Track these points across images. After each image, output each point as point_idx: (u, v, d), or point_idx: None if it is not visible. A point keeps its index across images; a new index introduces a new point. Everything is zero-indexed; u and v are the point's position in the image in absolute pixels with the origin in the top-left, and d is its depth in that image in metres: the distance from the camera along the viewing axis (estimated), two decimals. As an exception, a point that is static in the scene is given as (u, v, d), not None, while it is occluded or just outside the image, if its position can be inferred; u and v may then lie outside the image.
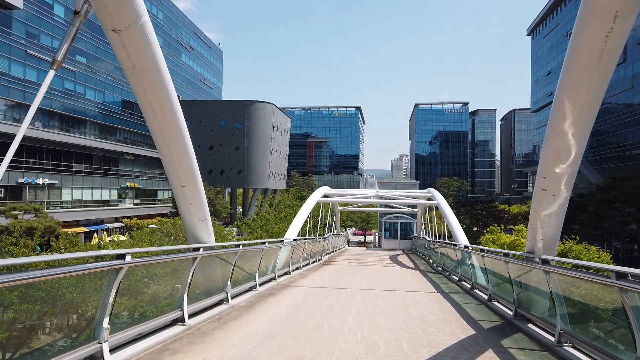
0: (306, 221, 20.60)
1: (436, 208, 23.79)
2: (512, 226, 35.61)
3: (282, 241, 12.11)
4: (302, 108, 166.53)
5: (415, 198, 23.38)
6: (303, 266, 16.19)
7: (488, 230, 31.97)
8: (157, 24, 74.05)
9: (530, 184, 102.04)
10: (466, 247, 11.46)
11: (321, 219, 24.59)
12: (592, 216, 35.45)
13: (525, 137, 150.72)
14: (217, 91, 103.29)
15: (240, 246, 8.34)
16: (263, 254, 10.28)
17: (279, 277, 12.54)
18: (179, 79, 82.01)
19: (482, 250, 9.59)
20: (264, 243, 10.21)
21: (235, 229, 35.32)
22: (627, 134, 57.46)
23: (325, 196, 23.73)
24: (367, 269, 17.89)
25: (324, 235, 23.38)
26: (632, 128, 56.18)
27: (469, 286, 11.43)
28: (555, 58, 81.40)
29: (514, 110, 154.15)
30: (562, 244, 22.09)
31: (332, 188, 26.09)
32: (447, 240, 17.28)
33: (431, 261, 20.85)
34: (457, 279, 13.38)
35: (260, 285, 10.41)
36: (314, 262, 18.80)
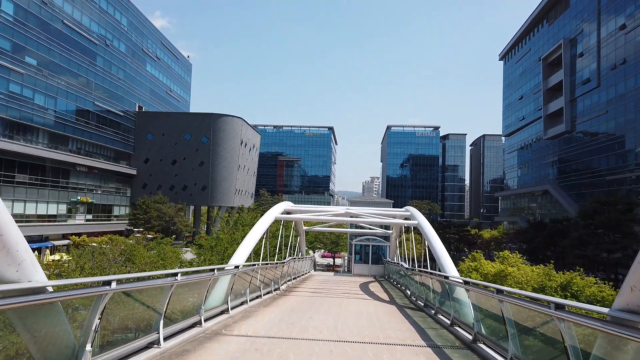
0: (261, 242, 17.20)
1: (414, 230, 20.81)
2: (488, 252, 33.02)
3: (213, 270, 8.66)
4: (274, 126, 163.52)
5: (391, 217, 20.31)
6: (251, 300, 12.72)
7: (473, 255, 29.16)
8: (120, 30, 70.13)
9: (501, 209, 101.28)
10: (467, 282, 8.34)
11: (282, 239, 21.18)
12: (576, 242, 33.23)
13: (494, 163, 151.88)
14: (185, 104, 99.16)
15: (113, 284, 4.92)
16: (173, 291, 6.85)
17: (209, 319, 9.07)
18: (142, 89, 77.79)
19: (498, 291, 6.45)
20: (175, 275, 6.78)
21: (184, 249, 31.33)
22: (601, 160, 56.58)
23: (287, 212, 20.31)
24: (333, 303, 14.55)
25: (285, 258, 19.94)
26: (606, 154, 55.36)
27: (470, 337, 8.27)
28: (527, 83, 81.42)
29: (484, 135, 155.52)
30: (563, 274, 19.32)
31: (295, 204, 22.74)
32: (430, 270, 14.17)
33: (408, 292, 17.67)
34: (448, 321, 10.22)
35: (168, 338, 6.93)
36: (267, 292, 15.33)
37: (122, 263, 24.44)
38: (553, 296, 13.96)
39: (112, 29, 67.58)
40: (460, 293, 10.20)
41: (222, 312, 10.11)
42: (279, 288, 17.25)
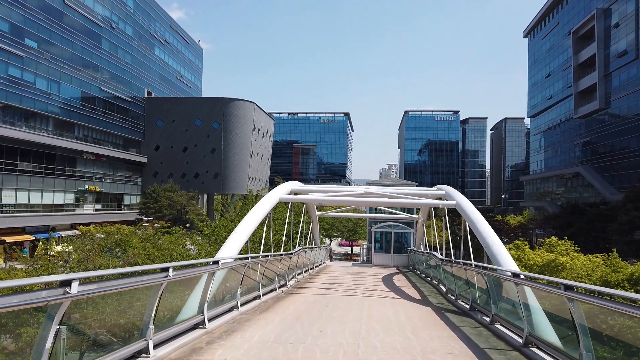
0: (262, 229, 14.21)
1: (449, 213, 17.56)
2: (520, 239, 29.40)
3: (167, 270, 5.68)
4: (289, 113, 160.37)
5: (421, 197, 16.96)
6: (244, 303, 9.75)
7: (516, 243, 25.74)
8: (126, 12, 67.46)
9: (526, 193, 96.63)
10: (569, 287, 5.13)
11: (289, 226, 18.22)
12: (625, 227, 29.46)
13: (516, 147, 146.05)
14: (196, 91, 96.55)
15: None
16: (78, 310, 3.85)
17: (166, 342, 6.07)
18: (151, 74, 75.27)
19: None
20: (68, 284, 3.75)
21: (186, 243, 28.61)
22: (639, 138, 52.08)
23: (295, 193, 17.24)
24: (351, 305, 11.49)
25: (294, 249, 16.95)
26: (646, 131, 50.87)
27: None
28: (555, 59, 76.42)
29: (505, 119, 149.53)
30: (630, 263, 15.95)
31: (304, 184, 19.65)
32: (478, 263, 10.98)
33: (443, 288, 14.53)
34: (518, 338, 7.10)
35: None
36: (270, 291, 12.33)
37: (115, 254, 21.82)
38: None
39: (117, 10, 64.90)
40: (531, 297, 7.08)
41: (195, 326, 7.14)
42: (285, 284, 14.27)
